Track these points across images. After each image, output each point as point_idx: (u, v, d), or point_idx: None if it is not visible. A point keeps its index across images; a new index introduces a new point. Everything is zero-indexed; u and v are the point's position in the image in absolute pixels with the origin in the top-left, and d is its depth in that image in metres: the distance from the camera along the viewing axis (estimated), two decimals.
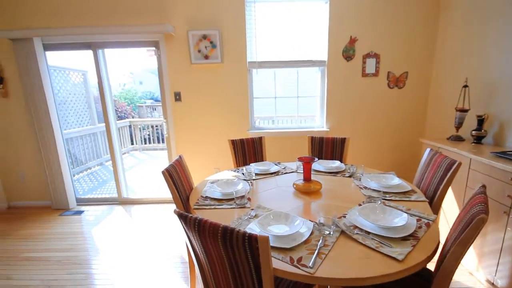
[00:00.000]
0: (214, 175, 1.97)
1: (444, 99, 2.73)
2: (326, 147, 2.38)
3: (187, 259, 2.12)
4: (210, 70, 2.88)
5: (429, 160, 1.76)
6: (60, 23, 2.76)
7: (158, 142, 6.87)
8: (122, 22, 2.76)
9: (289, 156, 3.08)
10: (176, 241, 2.40)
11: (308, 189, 1.56)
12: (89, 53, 2.90)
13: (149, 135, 7.00)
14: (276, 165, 2.13)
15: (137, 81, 22.52)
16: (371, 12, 2.76)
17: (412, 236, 1.07)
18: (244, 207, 1.39)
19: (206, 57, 2.80)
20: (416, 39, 2.81)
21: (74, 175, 4.15)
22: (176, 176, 1.57)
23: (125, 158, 6.09)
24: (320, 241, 1.04)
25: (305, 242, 1.04)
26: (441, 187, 1.52)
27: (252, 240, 0.73)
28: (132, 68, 21.74)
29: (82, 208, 3.19)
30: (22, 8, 2.74)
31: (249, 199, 1.48)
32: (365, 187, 1.61)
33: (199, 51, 2.79)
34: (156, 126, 6.87)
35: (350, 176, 1.84)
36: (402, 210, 1.28)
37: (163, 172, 1.46)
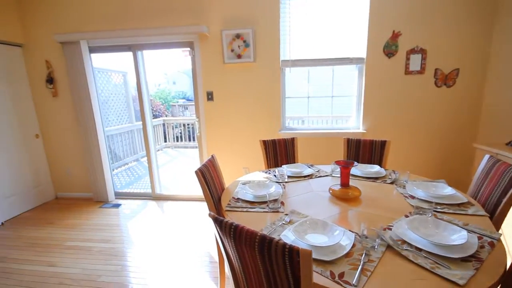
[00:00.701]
0: (245, 176, 1.94)
1: (502, 99, 2.40)
2: (363, 150, 2.22)
3: (216, 259, 2.11)
4: (242, 69, 2.86)
5: (488, 169, 1.54)
6: (104, 27, 2.93)
7: (189, 140, 7.08)
8: (160, 24, 2.84)
9: (322, 158, 2.95)
10: (205, 240, 2.41)
11: (346, 195, 1.46)
12: (129, 55, 3.04)
13: (180, 133, 7.26)
14: (309, 167, 2.04)
15: (170, 82, 23.59)
16: (417, 3, 2.53)
17: (474, 257, 0.92)
18: (278, 212, 1.32)
19: (239, 56, 2.79)
20: (469, 32, 2.52)
21: (113, 170, 4.41)
22: (209, 176, 1.56)
23: (159, 155, 6.35)
24: (364, 256, 0.94)
25: (347, 255, 0.94)
26: (504, 200, 1.32)
27: (293, 253, 0.66)
28: (166, 69, 22.79)
29: (120, 201, 3.37)
30: (71, 14, 2.95)
31: (282, 203, 1.42)
32: (411, 196, 1.46)
33: (232, 50, 2.78)
34: (188, 124, 7.09)
35: (392, 183, 1.68)
36: (458, 225, 1.12)
37: (196, 172, 1.45)
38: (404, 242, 1.03)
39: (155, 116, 10.71)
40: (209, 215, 0.87)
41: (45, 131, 3.35)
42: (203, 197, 3.15)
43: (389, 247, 1.00)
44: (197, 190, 3.41)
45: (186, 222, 2.75)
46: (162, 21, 2.85)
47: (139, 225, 2.72)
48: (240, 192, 1.57)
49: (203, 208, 3.06)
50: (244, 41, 2.76)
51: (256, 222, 1.23)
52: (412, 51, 2.64)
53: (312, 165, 2.11)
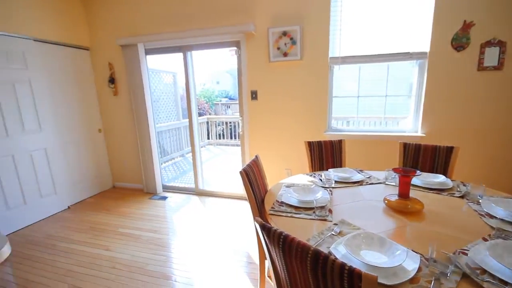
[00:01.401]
0: (289, 178, 1.86)
1: None
2: (424, 156, 1.97)
3: (254, 261, 2.09)
4: (288, 67, 2.78)
5: None
6: (158, 30, 3.12)
7: (230, 138, 7.24)
8: (209, 25, 2.92)
9: (372, 163, 2.72)
10: (244, 240, 2.40)
11: (405, 207, 1.29)
12: (179, 55, 3.20)
13: (222, 130, 7.48)
14: (358, 173, 1.87)
15: (214, 81, 24.56)
16: None
17: None
18: (325, 220, 1.23)
19: (285, 54, 2.71)
20: None
21: (161, 164, 4.72)
22: (253, 177, 1.53)
23: (202, 152, 6.61)
24: (433, 284, 0.80)
25: (411, 280, 0.81)
26: None
27: (354, 277, 0.57)
28: (211, 69, 23.75)
29: (167, 194, 3.57)
30: (129, 19, 3.20)
31: (330, 211, 1.31)
32: (489, 215, 1.22)
33: (278, 48, 2.72)
34: (230, 123, 7.26)
35: (461, 197, 1.45)
36: None
37: (240, 173, 1.43)
38: (484, 271, 0.85)
39: (199, 114, 11.21)
40: (256, 220, 0.82)
41: (106, 126, 3.71)
42: (244, 195, 3.16)
43: (465, 276, 0.84)
44: (237, 188, 3.44)
45: (226, 220, 2.78)
46: (210, 22, 2.91)
47: (183, 218, 2.84)
48: (284, 195, 1.50)
49: (244, 207, 3.07)
50: (291, 39, 2.67)
51: (302, 230, 1.15)
52: (488, 43, 2.26)
53: (361, 171, 1.94)
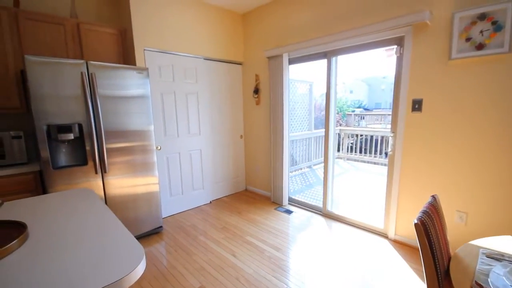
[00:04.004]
0: (487, 240, 1.13)
1: None
2: None
3: None
4: (481, 65, 1.90)
5: None
6: (302, 38, 3.00)
7: (361, 152, 6.35)
8: (361, 23, 2.49)
9: None
10: None
11: None
12: (319, 63, 2.96)
13: (352, 143, 6.70)
14: None
15: (347, 90, 23.19)
16: None
17: None
18: None
19: (480, 46, 1.86)
20: None
21: (289, 172, 4.67)
22: (433, 233, 0.98)
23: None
24: None
25: None
26: None
27: None
28: (345, 78, 22.61)
29: (292, 208, 3.40)
30: (275, 31, 3.27)
31: None
32: None
33: (467, 39, 1.90)
34: (361, 135, 6.39)
35: None
36: None
37: (416, 225, 0.93)
38: None
39: None
40: None
41: (246, 133, 4.02)
42: (384, 232, 2.47)
43: None
44: (375, 219, 2.76)
45: (360, 260, 2.22)
46: (363, 20, 2.47)
47: (307, 241, 2.53)
48: (492, 276, 0.86)
49: (386, 249, 2.38)
50: (494, 23, 1.79)
51: None
52: None
53: None
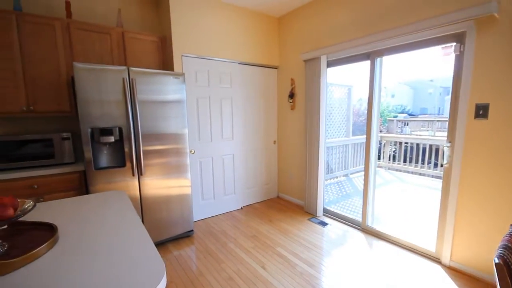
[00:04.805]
0: None
1: None
2: None
3: None
4: None
5: None
6: (342, 39, 2.81)
7: (405, 162, 5.79)
8: (409, 20, 2.23)
9: None
10: None
11: None
12: (361, 65, 2.74)
13: (394, 151, 6.15)
14: None
15: (389, 94, 21.71)
16: None
17: None
18: None
19: None
20: None
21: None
22: None
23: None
24: None
25: None
26: None
27: None
28: (386, 81, 21.25)
29: (326, 220, 3.18)
30: (312, 33, 3.12)
31: None
32: None
33: None
34: (406, 143, 5.84)
35: None
36: None
37: (498, 265, 0.72)
38: None
39: None
40: None
41: (279, 138, 3.90)
42: (435, 256, 2.14)
43: None
44: (423, 240, 2.42)
45: (404, 285, 1.94)
46: (410, 16, 2.21)
47: (344, 259, 2.30)
48: None
49: (434, 274, 2.06)
50: None
51: None
52: None
53: None
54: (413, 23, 2.16)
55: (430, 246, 2.34)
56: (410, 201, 4.02)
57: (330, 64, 3.01)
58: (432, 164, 5.43)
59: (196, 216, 3.16)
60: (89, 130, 2.12)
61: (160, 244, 2.60)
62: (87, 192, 2.27)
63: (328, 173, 5.07)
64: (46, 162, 2.26)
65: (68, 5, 2.44)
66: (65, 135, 2.34)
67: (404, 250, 2.45)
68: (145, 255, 0.87)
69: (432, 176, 5.30)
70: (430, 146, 5.35)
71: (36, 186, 2.10)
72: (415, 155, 5.58)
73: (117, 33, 2.57)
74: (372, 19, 2.52)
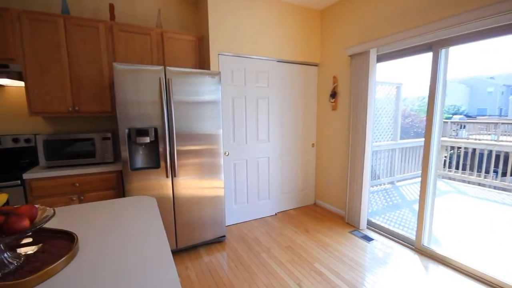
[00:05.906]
0: None
1: None
2: None
3: None
4: None
5: None
6: (396, 29, 2.45)
7: (463, 169, 5.03)
8: (485, 2, 1.82)
9: None
10: None
11: None
12: (414, 59, 2.36)
13: (445, 157, 5.40)
14: None
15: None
16: None
17: None
18: None
19: None
20: None
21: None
22: None
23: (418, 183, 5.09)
24: None
25: None
26: None
27: None
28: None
29: (371, 234, 2.83)
30: (358, 26, 2.79)
31: None
32: None
33: None
34: (465, 148, 5.08)
35: None
36: None
37: None
38: None
39: (416, 134, 9.12)
40: None
41: (318, 141, 3.62)
42: None
43: None
44: (502, 270, 1.97)
45: None
46: None
47: (393, 283, 1.97)
48: None
49: None
50: None
51: None
52: None
53: None
54: (492, 4, 1.75)
55: (509, 280, 1.89)
56: (476, 219, 3.43)
57: (381, 58, 2.67)
58: (499, 174, 4.64)
59: (229, 221, 3.05)
60: (127, 130, 2.13)
61: (192, 248, 2.53)
62: (123, 191, 2.29)
63: (372, 179, 4.62)
64: (87, 161, 2.33)
65: (112, 8, 2.50)
66: (106, 135, 2.39)
67: (474, 281, 2.02)
68: (165, 274, 0.73)
69: (495, 188, 4.53)
70: (490, 151, 4.61)
71: (77, 184, 2.17)
72: (477, 162, 4.81)
73: (157, 34, 2.56)
74: (434, 5, 2.14)
